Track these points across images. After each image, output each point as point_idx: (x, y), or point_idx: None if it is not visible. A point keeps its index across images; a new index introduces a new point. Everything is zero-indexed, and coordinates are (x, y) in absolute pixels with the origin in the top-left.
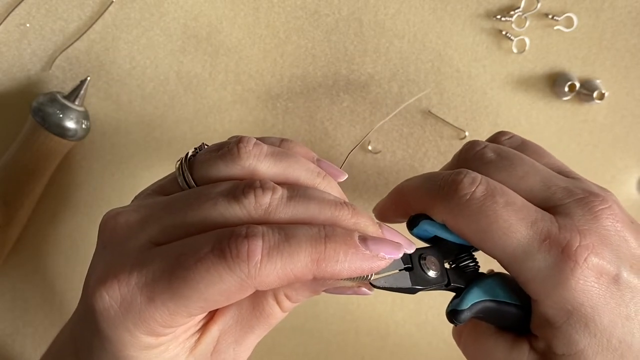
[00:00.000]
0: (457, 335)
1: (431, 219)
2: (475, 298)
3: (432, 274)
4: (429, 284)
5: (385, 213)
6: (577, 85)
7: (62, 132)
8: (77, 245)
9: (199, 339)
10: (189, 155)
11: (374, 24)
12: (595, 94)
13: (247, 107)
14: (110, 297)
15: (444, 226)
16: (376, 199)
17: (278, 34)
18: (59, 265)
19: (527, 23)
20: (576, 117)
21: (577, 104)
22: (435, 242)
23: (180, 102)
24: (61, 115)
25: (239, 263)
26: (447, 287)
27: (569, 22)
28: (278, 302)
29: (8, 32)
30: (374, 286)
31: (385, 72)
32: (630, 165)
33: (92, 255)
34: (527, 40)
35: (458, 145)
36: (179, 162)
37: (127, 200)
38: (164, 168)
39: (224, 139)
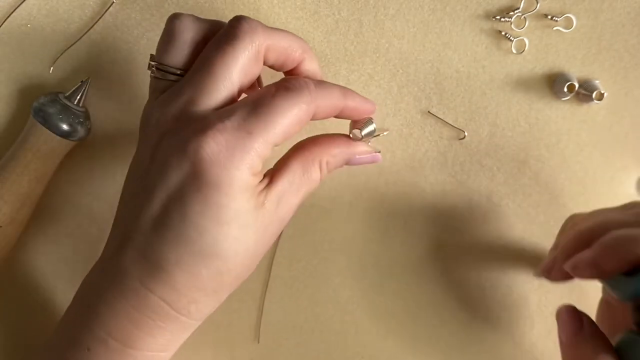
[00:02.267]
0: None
1: None
2: None
3: None
4: None
5: (599, 263)
6: (576, 85)
7: (63, 132)
8: (78, 245)
9: (265, 196)
10: None
11: (373, 24)
12: (594, 95)
13: None
14: (217, 143)
15: None
16: (376, 198)
17: None
18: (60, 265)
19: (527, 24)
20: (575, 117)
21: (576, 105)
22: None
23: None
24: (62, 116)
25: (300, 90)
26: None
27: (568, 23)
28: (320, 169)
29: (9, 33)
30: None
31: (385, 72)
32: (629, 165)
33: (93, 256)
34: (526, 41)
35: (458, 146)
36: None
37: None
38: None
39: None
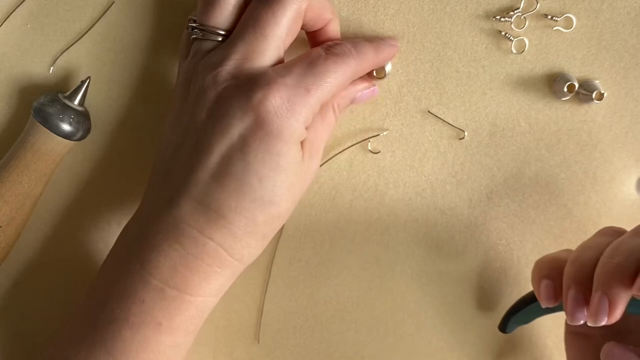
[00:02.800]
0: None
1: None
2: None
3: None
4: None
5: None
6: (576, 85)
7: (63, 132)
8: (78, 245)
9: (303, 147)
10: None
11: (373, 24)
12: (594, 95)
13: None
14: (281, 97)
15: None
16: (376, 198)
17: None
18: (60, 265)
19: (526, 23)
20: (575, 117)
21: (576, 104)
22: None
23: None
24: (62, 116)
25: (347, 55)
26: None
27: (568, 23)
28: (334, 111)
29: (9, 33)
30: None
31: None
32: (629, 165)
33: (93, 256)
34: (526, 41)
35: (458, 145)
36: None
37: (127, 201)
38: None
39: None
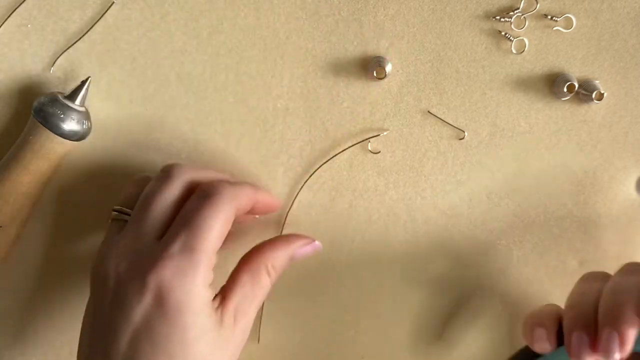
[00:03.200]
0: None
1: None
2: None
3: None
4: None
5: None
6: (576, 85)
7: (63, 132)
8: (78, 246)
9: (222, 313)
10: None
11: (373, 24)
12: (594, 95)
13: (247, 108)
14: (170, 270)
15: None
16: (376, 198)
17: (278, 34)
18: (60, 265)
19: (526, 24)
20: (575, 117)
21: (576, 105)
22: None
23: (181, 103)
24: (62, 116)
25: (219, 193)
26: None
27: (568, 23)
28: (268, 274)
29: (9, 33)
30: None
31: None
32: (628, 165)
33: (93, 255)
34: (526, 41)
35: (458, 146)
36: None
37: None
38: None
39: (225, 139)
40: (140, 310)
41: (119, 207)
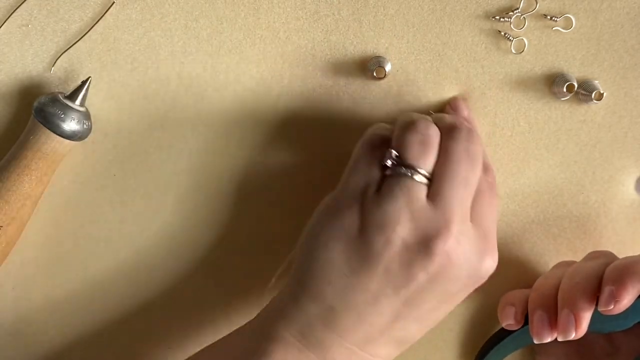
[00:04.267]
0: None
1: None
2: None
3: None
4: None
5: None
6: (576, 85)
7: (64, 132)
8: (78, 246)
9: None
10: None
11: (373, 24)
12: (593, 95)
13: (247, 108)
14: (454, 237)
15: None
16: None
17: (278, 34)
18: (61, 265)
19: (526, 24)
20: (574, 117)
21: (576, 105)
22: None
23: (182, 102)
24: (63, 116)
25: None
26: None
27: (567, 23)
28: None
29: (10, 33)
30: None
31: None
32: (628, 165)
33: (93, 256)
34: (525, 41)
35: None
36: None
37: (128, 201)
38: (165, 168)
39: (225, 139)
40: (424, 274)
41: (413, 166)
